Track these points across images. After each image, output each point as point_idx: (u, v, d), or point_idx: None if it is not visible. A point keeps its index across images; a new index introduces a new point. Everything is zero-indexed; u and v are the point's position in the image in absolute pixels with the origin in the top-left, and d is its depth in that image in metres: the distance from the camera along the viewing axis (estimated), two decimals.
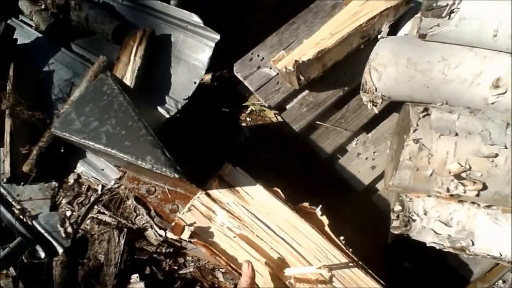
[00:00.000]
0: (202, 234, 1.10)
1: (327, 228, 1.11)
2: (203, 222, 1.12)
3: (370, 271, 1.06)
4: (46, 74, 1.77)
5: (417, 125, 0.93)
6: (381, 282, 1.04)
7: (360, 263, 1.08)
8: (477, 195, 0.94)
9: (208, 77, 1.85)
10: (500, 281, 1.21)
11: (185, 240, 1.09)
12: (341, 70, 1.49)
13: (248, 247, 1.08)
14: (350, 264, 1.05)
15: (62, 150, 1.66)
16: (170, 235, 1.09)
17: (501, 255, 1.04)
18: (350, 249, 1.10)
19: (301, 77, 1.37)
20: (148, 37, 1.69)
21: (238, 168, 1.20)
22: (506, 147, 0.90)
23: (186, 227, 1.10)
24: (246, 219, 1.12)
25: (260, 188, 1.16)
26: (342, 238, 1.12)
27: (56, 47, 1.83)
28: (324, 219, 1.12)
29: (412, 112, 0.96)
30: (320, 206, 1.15)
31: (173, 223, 1.12)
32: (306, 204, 1.15)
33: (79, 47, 1.86)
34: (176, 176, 1.06)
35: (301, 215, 1.12)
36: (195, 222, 1.11)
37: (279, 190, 1.17)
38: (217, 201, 1.16)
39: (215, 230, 1.11)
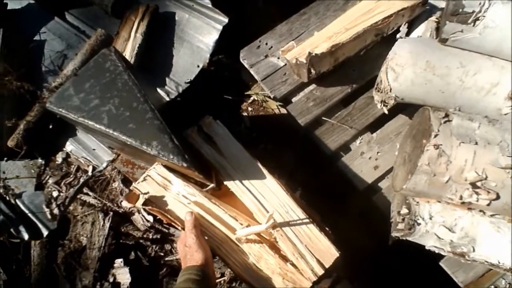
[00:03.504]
0: (157, 202, 1.12)
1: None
2: (158, 191, 1.13)
3: (326, 229, 1.13)
4: (37, 44, 1.64)
5: (438, 131, 0.92)
6: (333, 241, 1.09)
7: (311, 220, 1.12)
8: (489, 204, 0.95)
9: (205, 61, 1.77)
10: (492, 287, 1.24)
11: (140, 208, 1.13)
12: (350, 67, 1.46)
13: (203, 213, 1.11)
14: (304, 220, 1.11)
15: (51, 126, 1.56)
16: (124, 203, 1.10)
17: (499, 263, 1.06)
18: (304, 202, 1.17)
19: (312, 70, 1.34)
20: (151, 13, 1.60)
21: (218, 121, 1.24)
22: None
23: (141, 195, 1.11)
24: (219, 167, 1.18)
25: (235, 143, 1.21)
26: (298, 192, 1.22)
27: (49, 16, 1.70)
28: (280, 181, 1.20)
29: (433, 117, 0.94)
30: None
31: (127, 192, 1.17)
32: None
33: (74, 18, 1.74)
34: (184, 165, 1.01)
35: None
36: (148, 192, 1.12)
37: None
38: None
39: (171, 198, 1.13)
